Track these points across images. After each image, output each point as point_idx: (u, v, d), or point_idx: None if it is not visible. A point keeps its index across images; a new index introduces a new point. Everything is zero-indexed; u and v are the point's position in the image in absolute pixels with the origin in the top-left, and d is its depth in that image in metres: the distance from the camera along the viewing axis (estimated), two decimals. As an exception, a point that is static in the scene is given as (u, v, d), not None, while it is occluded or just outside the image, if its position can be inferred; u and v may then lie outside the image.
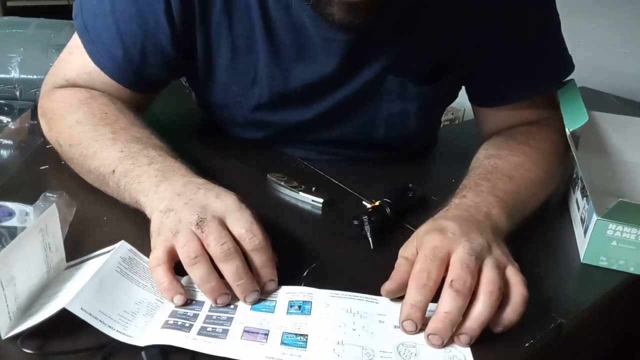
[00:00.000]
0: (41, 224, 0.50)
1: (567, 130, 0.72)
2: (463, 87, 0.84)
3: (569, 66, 0.81)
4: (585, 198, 0.68)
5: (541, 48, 0.77)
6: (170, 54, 0.71)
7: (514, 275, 0.52)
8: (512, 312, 0.51)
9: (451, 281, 0.50)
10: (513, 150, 0.73)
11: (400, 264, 0.55)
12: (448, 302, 0.49)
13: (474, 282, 0.50)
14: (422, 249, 0.53)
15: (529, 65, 0.77)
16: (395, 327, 0.52)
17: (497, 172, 0.69)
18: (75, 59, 0.74)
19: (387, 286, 0.53)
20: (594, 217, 0.63)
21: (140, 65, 0.72)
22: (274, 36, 0.70)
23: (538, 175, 0.71)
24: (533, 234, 0.68)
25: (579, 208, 0.71)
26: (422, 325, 0.50)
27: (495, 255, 0.53)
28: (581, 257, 0.65)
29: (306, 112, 0.78)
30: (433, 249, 0.52)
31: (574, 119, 0.72)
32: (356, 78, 0.74)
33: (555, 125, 0.79)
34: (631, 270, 0.64)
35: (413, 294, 0.50)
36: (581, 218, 0.68)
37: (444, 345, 0.50)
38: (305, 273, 0.58)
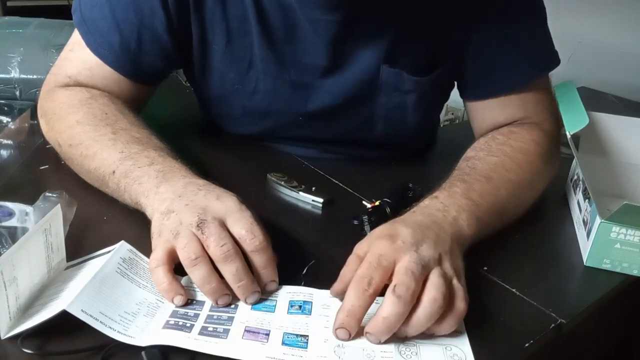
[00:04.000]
0: (45, 224, 0.50)
1: (567, 132, 0.72)
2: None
3: (555, 59, 0.80)
4: (587, 200, 0.67)
5: (527, 39, 0.77)
6: (166, 42, 0.72)
7: (457, 289, 0.51)
8: (446, 326, 0.50)
9: (394, 286, 0.49)
10: (492, 151, 0.73)
11: (351, 261, 0.54)
12: (388, 307, 0.48)
13: (418, 289, 0.49)
14: (369, 254, 0.52)
15: (515, 56, 0.77)
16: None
17: (474, 172, 0.68)
18: (75, 56, 0.74)
19: (336, 286, 0.53)
20: (597, 220, 0.62)
21: (137, 53, 0.72)
22: (265, 18, 0.72)
23: (520, 176, 0.70)
24: (533, 234, 0.68)
25: (580, 210, 0.70)
26: (356, 332, 0.49)
27: (444, 267, 0.52)
28: (584, 259, 0.65)
29: (303, 103, 0.78)
30: (379, 256, 0.51)
31: (574, 121, 0.72)
32: (349, 65, 0.75)
33: (541, 125, 0.78)
34: (635, 272, 0.64)
35: (352, 298, 0.49)
36: (583, 220, 0.68)
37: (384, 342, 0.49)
38: (304, 271, 0.58)
